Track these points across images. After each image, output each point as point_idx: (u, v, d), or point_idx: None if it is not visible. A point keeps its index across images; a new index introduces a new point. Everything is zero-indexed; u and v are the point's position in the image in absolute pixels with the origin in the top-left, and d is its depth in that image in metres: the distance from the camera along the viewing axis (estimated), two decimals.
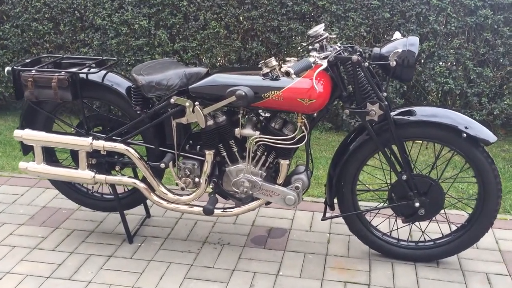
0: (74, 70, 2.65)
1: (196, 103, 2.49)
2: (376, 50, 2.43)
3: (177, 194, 2.73)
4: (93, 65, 2.74)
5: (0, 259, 2.71)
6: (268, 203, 2.62)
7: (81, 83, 2.67)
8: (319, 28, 2.37)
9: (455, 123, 2.41)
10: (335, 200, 2.68)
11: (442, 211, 2.60)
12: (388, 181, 2.65)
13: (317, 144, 4.24)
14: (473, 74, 4.11)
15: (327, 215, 2.70)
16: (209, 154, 2.59)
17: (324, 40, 2.39)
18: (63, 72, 2.62)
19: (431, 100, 4.44)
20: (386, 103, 2.41)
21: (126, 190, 3.03)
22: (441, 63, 4.15)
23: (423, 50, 4.10)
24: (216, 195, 2.66)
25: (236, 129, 2.52)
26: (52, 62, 2.80)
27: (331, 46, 2.42)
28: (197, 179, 2.65)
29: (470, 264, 2.67)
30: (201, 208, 2.64)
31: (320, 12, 4.23)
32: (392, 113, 2.46)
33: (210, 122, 2.53)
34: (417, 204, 2.53)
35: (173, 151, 2.66)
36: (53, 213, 3.17)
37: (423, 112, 2.48)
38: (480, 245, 2.79)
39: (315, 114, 2.49)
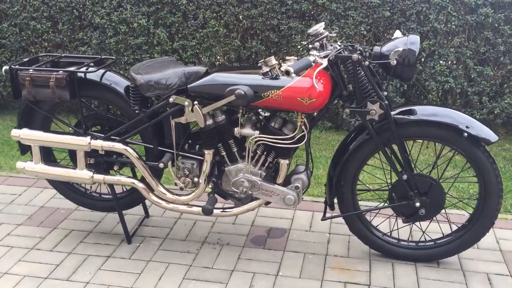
0: (72, 69, 2.64)
1: (195, 102, 2.47)
2: (376, 49, 2.41)
3: (176, 194, 2.71)
4: (92, 64, 2.73)
5: None
6: (267, 203, 2.61)
7: (79, 82, 2.65)
8: (319, 27, 2.35)
9: (456, 123, 2.40)
10: (335, 200, 2.66)
11: (443, 210, 2.58)
12: (389, 181, 2.63)
13: (317, 143, 4.23)
14: (473, 73, 4.10)
15: (327, 215, 2.68)
16: (208, 154, 2.57)
17: (324, 38, 2.38)
18: (61, 71, 2.60)
19: (432, 99, 4.42)
20: (386, 102, 2.39)
21: (125, 190, 3.01)
22: (441, 62, 4.14)
23: (423, 49, 4.09)
24: (215, 195, 2.65)
25: (235, 129, 2.50)
26: (50, 61, 2.78)
27: (331, 45, 2.41)
28: (196, 179, 2.64)
29: (470, 264, 2.66)
30: (200, 208, 2.62)
31: (320, 11, 4.21)
32: (393, 112, 2.45)
33: (209, 122, 2.51)
34: (417, 204, 2.52)
35: (172, 151, 2.64)
36: (51, 213, 3.16)
37: (424, 111, 2.46)
38: (481, 245, 2.78)
39: (315, 113, 2.48)
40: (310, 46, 2.41)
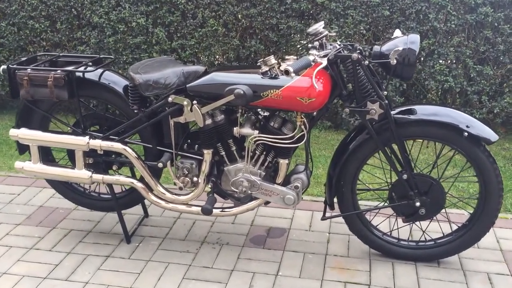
0: (70, 68, 2.62)
1: (194, 102, 2.46)
2: (376, 48, 2.40)
3: (175, 194, 2.70)
4: (90, 64, 2.71)
5: None
6: (267, 202, 2.60)
7: (77, 81, 2.64)
8: (319, 26, 2.34)
9: (456, 122, 2.39)
10: (335, 200, 2.66)
11: (443, 210, 2.57)
12: (389, 181, 2.63)
13: (316, 143, 4.22)
14: (473, 72, 4.09)
15: (327, 214, 2.67)
16: (208, 154, 2.56)
17: (324, 38, 2.37)
18: (59, 71, 2.59)
19: (431, 98, 4.41)
20: (386, 101, 2.39)
21: (124, 189, 3.00)
22: (441, 61, 4.13)
23: (423, 48, 4.08)
24: (215, 195, 2.64)
25: (234, 128, 2.49)
26: (48, 61, 2.77)
27: (330, 44, 2.40)
28: (195, 179, 2.63)
29: (471, 263, 2.65)
30: (200, 208, 2.62)
31: (319, 10, 4.20)
32: (393, 112, 2.44)
33: (209, 121, 2.50)
34: (417, 204, 2.51)
35: (171, 151, 2.63)
36: (50, 213, 3.15)
37: (424, 111, 2.45)
38: (481, 245, 2.78)
39: (314, 113, 2.47)
40: (310, 45, 2.40)
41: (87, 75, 2.66)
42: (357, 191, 2.64)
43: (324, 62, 2.26)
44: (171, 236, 2.91)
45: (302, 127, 2.40)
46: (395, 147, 2.51)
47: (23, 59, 2.74)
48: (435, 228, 2.74)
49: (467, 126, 2.38)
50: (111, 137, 2.68)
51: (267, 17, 4.24)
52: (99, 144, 2.66)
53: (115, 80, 2.69)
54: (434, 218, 2.60)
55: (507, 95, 4.14)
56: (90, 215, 3.11)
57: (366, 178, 3.28)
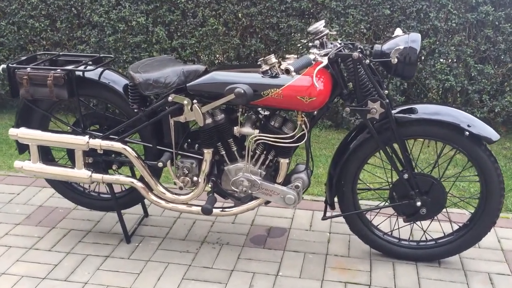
0: (70, 67, 2.61)
1: (194, 101, 2.45)
2: (377, 47, 2.39)
3: (175, 194, 2.69)
4: (90, 63, 2.70)
5: None
6: (267, 202, 2.59)
7: (77, 80, 2.63)
8: (319, 25, 2.33)
9: (458, 121, 2.38)
10: (336, 199, 2.65)
11: (444, 210, 2.56)
12: (389, 180, 2.62)
13: (316, 142, 4.21)
14: (474, 71, 4.08)
15: (328, 214, 2.66)
16: (208, 153, 2.55)
17: (325, 37, 2.36)
18: (59, 70, 2.58)
19: (432, 97, 4.40)
20: (387, 100, 2.38)
21: (124, 189, 2.99)
22: (441, 60, 4.12)
23: (423, 47, 4.06)
24: (215, 195, 2.63)
25: (235, 128, 2.48)
26: (48, 60, 2.76)
27: (331, 43, 2.39)
28: (195, 178, 2.62)
29: (472, 263, 2.65)
30: (200, 208, 2.61)
31: (320, 9, 4.19)
32: (393, 111, 2.43)
33: (209, 121, 2.49)
34: (418, 203, 2.50)
35: (171, 150, 2.62)
36: (49, 213, 3.14)
37: (425, 110, 2.44)
38: (482, 244, 2.77)
39: (315, 112, 2.46)
40: (310, 44, 2.39)
41: (87, 74, 2.65)
42: (357, 190, 2.63)
43: (325, 61, 2.25)
44: (171, 236, 2.90)
45: (303, 126, 2.39)
46: (396, 146, 2.50)
47: (23, 58, 2.73)
48: (436, 228, 2.73)
49: (468, 126, 2.37)
50: (111, 136, 2.67)
51: (267, 16, 4.23)
52: (99, 143, 2.65)
53: (115, 79, 2.68)
54: (435, 217, 2.59)
55: (508, 94, 4.13)
56: (89, 215, 3.11)
57: (366, 177, 3.26)
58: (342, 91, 2.41)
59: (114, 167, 2.80)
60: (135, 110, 2.59)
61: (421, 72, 4.15)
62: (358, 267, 2.62)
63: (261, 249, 2.77)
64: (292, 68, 2.10)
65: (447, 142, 2.45)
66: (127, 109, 2.64)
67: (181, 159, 2.64)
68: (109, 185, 2.77)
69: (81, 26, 4.54)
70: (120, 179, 2.74)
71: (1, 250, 2.75)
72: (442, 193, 2.51)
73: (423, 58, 4.17)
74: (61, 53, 2.90)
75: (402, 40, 2.35)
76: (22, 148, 2.85)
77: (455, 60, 4.15)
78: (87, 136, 2.66)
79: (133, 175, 2.88)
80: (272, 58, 2.30)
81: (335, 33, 2.52)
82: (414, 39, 2.34)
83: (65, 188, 2.99)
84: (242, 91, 2.29)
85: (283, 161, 2.50)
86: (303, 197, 2.57)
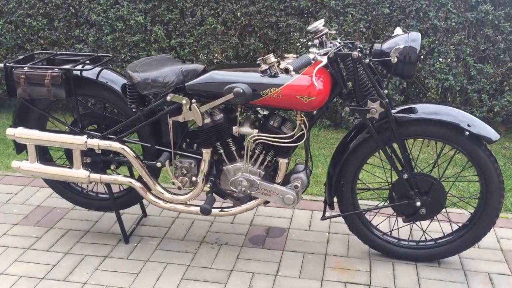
0: (67, 67, 2.60)
1: (193, 100, 2.44)
2: (377, 46, 2.38)
3: (174, 194, 2.68)
4: (88, 62, 2.69)
5: None
6: (266, 202, 2.58)
7: (75, 80, 2.62)
8: (319, 24, 2.32)
9: (457, 121, 2.38)
10: (335, 199, 2.64)
11: (444, 210, 2.55)
12: (389, 180, 2.61)
13: (315, 142, 4.20)
14: (473, 71, 4.07)
15: (327, 214, 2.65)
16: (206, 153, 2.54)
17: (324, 36, 2.34)
18: (56, 69, 2.56)
19: (431, 97, 4.40)
20: (387, 100, 2.37)
21: (122, 189, 2.98)
22: (441, 59, 4.12)
23: (423, 46, 4.05)
24: (214, 195, 2.62)
25: (233, 127, 2.47)
26: (45, 59, 2.75)
27: (330, 42, 2.38)
28: (194, 178, 2.61)
29: (471, 263, 2.64)
30: (198, 208, 2.60)
31: (319, 8, 4.18)
32: (393, 111, 2.42)
33: (207, 120, 2.48)
34: (418, 203, 2.49)
35: (169, 150, 2.61)
36: (47, 213, 3.12)
37: (425, 110, 2.43)
38: (482, 244, 2.76)
39: (314, 111, 2.45)
40: (310, 43, 2.38)
41: (84, 74, 2.64)
42: (357, 190, 2.62)
43: (324, 60, 2.24)
44: (169, 236, 2.89)
45: (302, 126, 2.38)
46: (395, 146, 2.49)
47: (20, 57, 2.71)
48: (436, 228, 2.72)
49: (468, 125, 2.36)
50: (109, 136, 2.66)
51: (266, 15, 4.22)
52: (97, 143, 2.63)
53: (113, 79, 2.67)
54: (435, 217, 2.58)
55: (507, 94, 4.12)
56: (88, 215, 3.09)
57: (366, 177, 3.26)
58: (342, 90, 2.40)
59: (112, 167, 2.79)
60: (133, 110, 2.57)
61: (420, 71, 4.14)
62: (357, 267, 2.61)
63: (260, 249, 2.76)
64: (291, 68, 2.08)
65: (447, 142, 2.44)
66: (125, 108, 2.63)
67: (179, 159, 2.62)
68: (107, 185, 2.76)
69: (79, 25, 4.52)
70: (118, 179, 2.73)
71: None
72: (441, 193, 2.51)
73: (422, 57, 4.16)
74: (58, 52, 2.88)
75: (402, 39, 2.34)
76: (20, 148, 2.83)
77: (454, 60, 4.14)
78: (85, 136, 2.65)
79: (132, 175, 2.86)
80: (271, 58, 2.29)
81: (334, 32, 2.51)
82: (414, 38, 2.33)
83: (63, 188, 2.97)
84: (241, 91, 2.27)
85: (282, 161, 2.49)
86: (302, 197, 2.56)
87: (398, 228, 2.73)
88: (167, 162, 2.61)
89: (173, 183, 2.65)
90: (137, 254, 2.73)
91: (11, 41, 4.62)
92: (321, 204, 2.71)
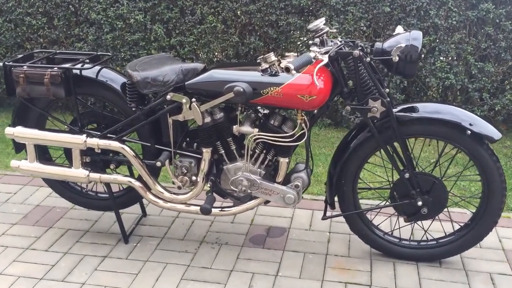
0: (67, 65, 2.59)
1: (193, 99, 2.43)
2: (378, 45, 2.37)
3: (174, 193, 2.67)
4: (87, 61, 2.68)
5: None
6: (267, 201, 2.56)
7: (74, 79, 2.61)
8: (320, 22, 2.31)
9: (459, 120, 2.36)
10: (336, 199, 2.62)
11: (445, 209, 2.54)
12: (390, 179, 2.59)
13: (316, 141, 4.19)
14: (474, 69, 4.06)
15: (328, 214, 2.64)
16: (207, 152, 2.52)
17: (325, 34, 2.33)
18: (55, 68, 2.55)
19: (432, 95, 4.38)
20: (388, 99, 2.35)
21: (121, 188, 2.96)
22: (442, 58, 4.10)
23: (423, 45, 4.04)
24: (214, 194, 2.60)
25: (234, 126, 2.46)
26: (45, 58, 2.73)
27: (331, 41, 2.36)
28: (194, 178, 2.59)
29: (473, 263, 2.62)
30: (198, 207, 2.58)
31: (319, 6, 4.17)
32: (394, 110, 2.41)
33: (208, 119, 2.47)
34: (419, 203, 2.48)
35: (169, 149, 2.60)
36: (46, 212, 3.11)
37: (426, 109, 2.42)
38: (483, 244, 2.74)
39: (315, 110, 2.43)
40: (310, 42, 2.36)
41: (84, 73, 2.63)
42: (358, 190, 2.61)
43: (325, 59, 2.22)
44: (169, 236, 2.88)
45: (303, 125, 2.37)
46: (396, 145, 2.48)
47: (19, 56, 2.70)
48: (437, 228, 2.71)
49: (470, 124, 2.35)
50: (108, 135, 2.64)
51: (266, 13, 4.20)
52: (96, 142, 2.62)
53: (112, 78, 2.66)
54: (436, 217, 2.56)
55: (508, 92, 4.11)
56: (87, 215, 3.08)
57: (367, 176, 3.24)
58: (343, 89, 2.39)
59: (112, 166, 2.78)
60: (133, 109, 2.56)
61: (421, 70, 4.13)
62: (358, 267, 2.60)
63: (260, 249, 2.75)
64: (292, 66, 2.07)
65: (449, 141, 2.43)
66: (125, 107, 2.62)
67: (179, 158, 2.61)
68: (107, 184, 2.75)
69: (79, 23, 4.51)
70: (118, 178, 2.71)
71: None
72: (443, 193, 2.49)
73: (423, 56, 4.14)
74: (58, 51, 2.87)
75: (403, 38, 2.33)
76: (19, 147, 2.82)
77: (455, 58, 4.13)
78: (84, 135, 2.63)
79: (131, 175, 2.85)
80: (272, 56, 2.27)
81: (335, 31, 2.50)
82: (415, 37, 2.32)
83: (62, 187, 2.96)
84: (242, 90, 2.26)
85: (283, 160, 2.47)
86: (302, 197, 2.55)
87: (399, 228, 2.71)
88: (167, 162, 2.59)
89: (173, 183, 2.63)
90: (136, 254, 2.71)
91: (10, 39, 4.60)
92: (322, 203, 2.70)
